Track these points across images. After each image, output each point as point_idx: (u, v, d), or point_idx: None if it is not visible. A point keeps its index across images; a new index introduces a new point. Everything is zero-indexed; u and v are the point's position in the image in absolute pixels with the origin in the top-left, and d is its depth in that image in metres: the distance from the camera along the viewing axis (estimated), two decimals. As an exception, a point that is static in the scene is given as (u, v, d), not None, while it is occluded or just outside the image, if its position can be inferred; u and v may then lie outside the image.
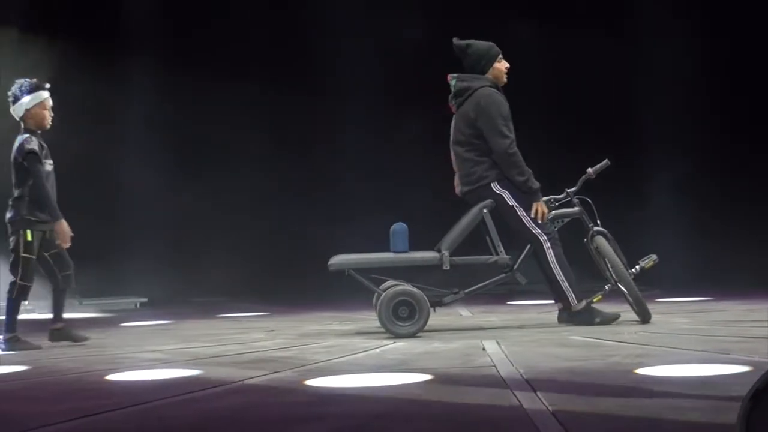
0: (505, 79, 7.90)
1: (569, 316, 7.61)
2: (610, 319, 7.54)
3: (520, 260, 7.66)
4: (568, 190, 7.83)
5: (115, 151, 15.18)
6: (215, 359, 6.36)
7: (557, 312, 7.79)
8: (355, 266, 7.66)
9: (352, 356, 6.20)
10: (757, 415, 2.32)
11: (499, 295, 10.99)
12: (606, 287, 7.68)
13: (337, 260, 7.69)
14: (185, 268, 14.52)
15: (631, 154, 13.05)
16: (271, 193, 14.68)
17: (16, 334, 7.78)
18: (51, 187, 7.86)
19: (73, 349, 7.65)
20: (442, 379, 4.83)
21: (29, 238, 7.66)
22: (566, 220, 7.83)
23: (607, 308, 7.84)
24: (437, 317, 7.88)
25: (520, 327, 7.90)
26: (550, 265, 7.53)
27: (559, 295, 7.64)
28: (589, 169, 7.82)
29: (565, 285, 7.52)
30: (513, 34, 13.66)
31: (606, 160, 7.82)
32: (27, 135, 7.70)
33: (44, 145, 7.81)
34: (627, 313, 7.75)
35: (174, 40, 15.15)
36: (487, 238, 7.72)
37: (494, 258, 7.66)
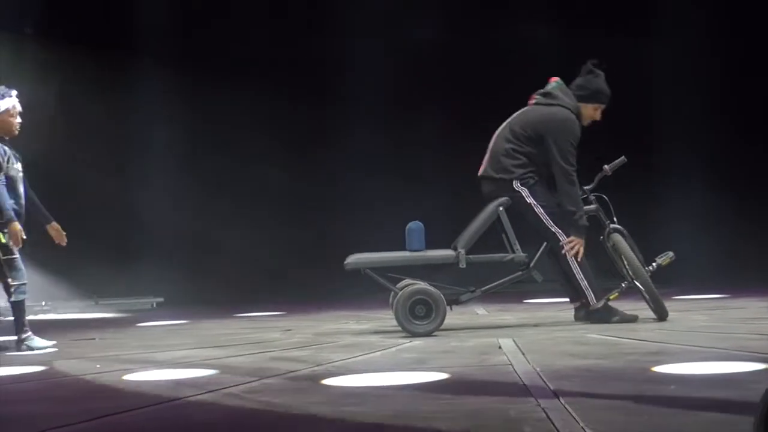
0: (585, 123, 7.85)
1: (587, 314, 7.61)
2: (629, 320, 7.53)
3: (536, 258, 7.66)
4: (585, 188, 7.82)
5: (129, 152, 15.22)
6: (232, 359, 6.37)
7: (574, 310, 7.79)
8: (372, 265, 7.66)
9: (368, 355, 6.21)
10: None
11: (515, 294, 10.97)
12: (623, 285, 7.67)
13: (354, 259, 7.69)
14: (201, 268, 14.55)
15: (648, 151, 13.03)
16: (287, 192, 14.69)
17: (30, 333, 7.79)
18: (21, 191, 7.86)
19: (90, 349, 7.67)
20: (459, 378, 4.83)
21: (2, 239, 7.66)
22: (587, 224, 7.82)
23: (624, 306, 7.84)
24: (453, 316, 7.87)
25: (537, 325, 7.89)
26: (569, 264, 7.53)
27: (577, 294, 7.63)
28: (606, 167, 7.81)
29: (584, 284, 7.51)
30: (527, 33, 13.70)
31: (622, 158, 7.80)
32: None
33: (7, 150, 7.80)
34: (644, 311, 7.74)
35: (183, 40, 15.19)
36: (503, 236, 7.72)
37: (510, 256, 7.66)
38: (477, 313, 9.66)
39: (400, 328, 7.36)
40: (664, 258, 7.63)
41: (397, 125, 14.73)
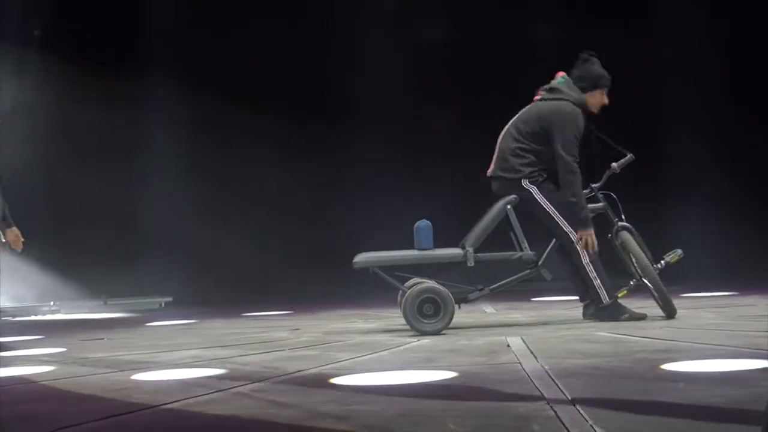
0: (596, 111, 7.87)
1: (596, 312, 7.61)
2: (638, 318, 7.53)
3: (544, 256, 7.67)
4: (593, 185, 7.83)
5: (137, 156, 15.29)
6: (240, 358, 6.38)
7: (582, 308, 7.79)
8: (380, 264, 7.67)
9: (377, 354, 6.21)
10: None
11: (523, 292, 10.97)
12: (631, 282, 7.68)
13: (362, 258, 7.70)
14: (209, 268, 14.57)
15: (656, 149, 13.02)
16: (295, 193, 14.71)
17: None
18: None
19: (99, 349, 7.68)
20: (468, 376, 4.83)
21: None
22: (591, 215, 7.82)
23: (633, 303, 7.85)
24: (462, 314, 7.88)
25: (545, 323, 7.90)
26: (581, 261, 7.52)
27: (587, 291, 7.63)
28: (614, 164, 7.82)
29: (597, 283, 7.51)
30: (533, 33, 13.71)
31: (630, 155, 7.81)
32: None
33: None
34: (653, 308, 7.74)
35: (187, 49, 15.26)
36: (511, 234, 7.73)
37: (519, 254, 7.66)
38: (485, 312, 9.66)
39: (408, 327, 7.37)
40: (673, 255, 7.64)
41: (403, 126, 14.76)
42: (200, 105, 14.80)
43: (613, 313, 7.53)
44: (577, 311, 7.84)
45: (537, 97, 7.91)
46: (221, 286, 14.37)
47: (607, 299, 7.52)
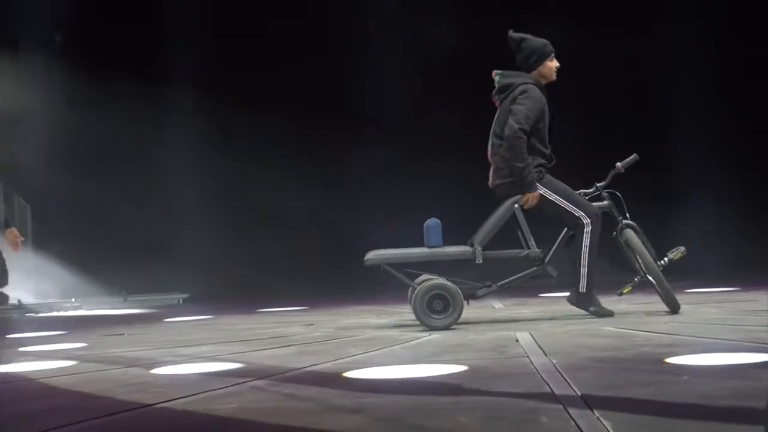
0: (554, 77, 7.86)
1: (573, 296, 7.62)
2: (604, 314, 7.52)
3: (551, 253, 7.67)
4: (598, 185, 7.81)
5: (155, 158, 15.33)
6: (256, 353, 6.38)
7: (569, 293, 7.79)
8: (391, 261, 7.67)
9: (388, 348, 6.21)
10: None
11: (530, 288, 10.96)
12: (635, 279, 7.67)
13: (373, 255, 7.70)
14: (225, 265, 14.60)
15: (658, 148, 13.00)
16: (309, 194, 14.72)
17: None
18: None
19: (118, 344, 7.69)
20: (477, 370, 4.83)
21: None
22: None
23: (637, 299, 7.85)
24: (471, 310, 7.88)
25: (552, 318, 7.88)
26: (581, 248, 7.51)
27: (575, 277, 7.60)
28: (618, 164, 7.80)
29: (584, 270, 7.50)
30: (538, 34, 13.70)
31: (634, 155, 7.80)
32: None
33: None
34: (657, 303, 7.73)
35: (208, 61, 15.33)
36: (519, 232, 7.72)
37: (526, 251, 7.65)
38: (494, 307, 9.66)
39: (418, 322, 7.37)
40: (676, 253, 7.63)
41: (410, 127, 14.77)
42: (214, 111, 14.86)
43: (584, 302, 7.57)
44: (583, 307, 7.81)
45: (497, 104, 7.89)
46: (237, 283, 14.39)
47: (584, 288, 7.51)
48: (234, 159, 14.94)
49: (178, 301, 14.80)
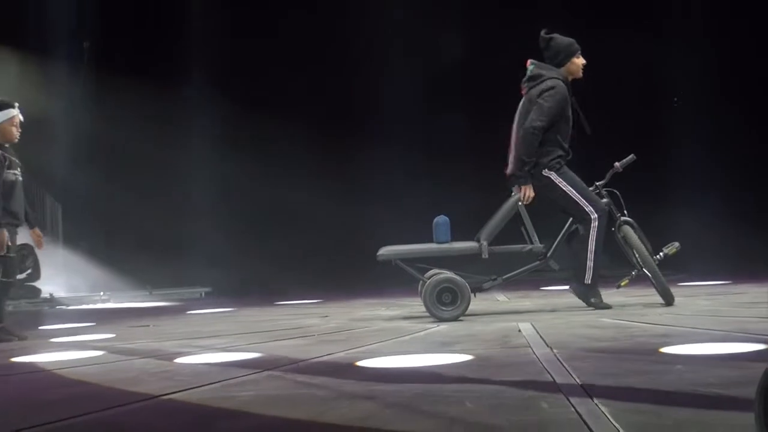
0: (580, 74, 7.84)
1: (576, 287, 7.60)
2: (603, 307, 7.52)
3: (553, 248, 7.66)
4: (597, 183, 7.80)
5: (180, 159, 15.36)
6: (274, 343, 6.39)
7: (569, 286, 7.77)
8: (402, 256, 7.70)
9: (399, 339, 6.21)
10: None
11: (533, 281, 10.95)
12: (633, 272, 7.66)
13: (385, 251, 7.72)
14: (244, 261, 14.61)
15: (656, 150, 12.99)
16: (324, 194, 14.73)
17: (3, 325, 7.74)
18: (17, 195, 7.86)
19: (144, 335, 7.70)
20: (483, 359, 4.82)
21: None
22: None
23: (634, 291, 7.85)
24: (477, 302, 7.87)
25: (553, 310, 7.88)
26: (587, 241, 7.49)
27: (580, 268, 7.58)
28: (617, 164, 7.79)
29: (590, 263, 7.49)
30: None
31: (632, 155, 7.79)
32: None
33: (8, 157, 7.80)
34: (652, 296, 7.72)
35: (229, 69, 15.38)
36: (522, 228, 7.72)
37: (529, 247, 7.66)
38: (498, 300, 9.65)
39: (428, 314, 7.37)
40: (671, 248, 7.61)
41: (422, 134, 14.77)
42: (234, 115, 14.90)
43: (586, 293, 7.57)
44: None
45: (523, 92, 7.87)
46: (255, 278, 14.41)
47: (589, 280, 7.51)
48: (252, 161, 14.95)
49: (201, 294, 14.82)
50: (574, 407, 3.28)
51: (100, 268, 14.98)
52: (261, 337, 6.82)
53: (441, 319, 7.24)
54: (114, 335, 7.81)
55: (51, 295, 13.97)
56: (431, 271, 7.68)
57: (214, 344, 6.49)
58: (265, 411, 3.61)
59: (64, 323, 9.80)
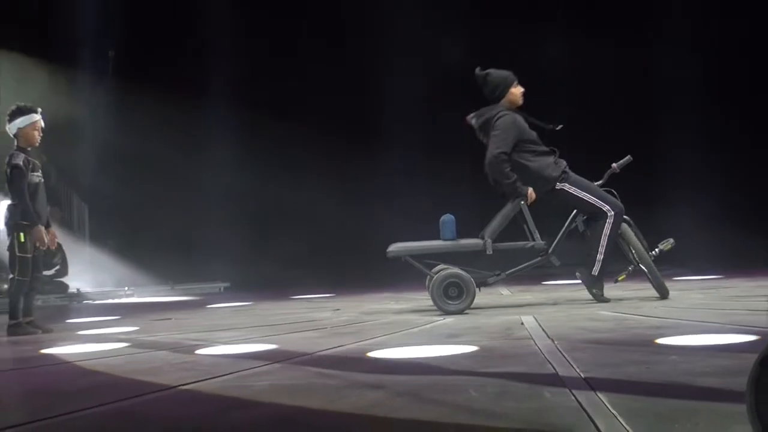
0: (521, 102, 7.86)
1: (583, 275, 7.58)
2: (602, 300, 7.51)
3: (553, 245, 7.66)
4: (596, 183, 7.78)
5: (200, 163, 15.41)
6: (289, 335, 6.38)
7: (578, 271, 7.74)
8: (410, 253, 7.70)
9: (408, 331, 6.20)
10: (766, 379, 2.29)
11: (535, 276, 10.93)
12: (630, 268, 7.66)
13: (394, 248, 7.72)
14: (262, 257, 14.63)
15: (651, 151, 12.97)
16: (334, 195, 14.74)
17: (20, 320, 7.75)
18: (41, 196, 7.89)
19: (166, 328, 7.70)
20: (487, 350, 4.81)
21: (22, 239, 7.68)
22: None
23: (631, 285, 7.84)
24: (482, 296, 7.87)
25: (554, 304, 7.86)
26: (601, 235, 7.47)
27: (590, 260, 7.56)
28: (614, 165, 7.78)
29: (600, 257, 7.48)
30: (542, 44, 13.65)
31: (629, 156, 7.77)
32: (15, 151, 7.77)
33: (32, 160, 7.82)
34: (648, 290, 7.70)
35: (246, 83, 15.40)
36: (525, 226, 7.71)
37: (531, 243, 7.65)
38: (502, 294, 9.64)
39: (435, 307, 7.36)
40: (666, 244, 7.61)
41: (427, 137, 14.77)
42: (248, 121, 14.96)
43: (592, 283, 7.56)
44: (583, 293, 7.79)
45: (485, 141, 7.87)
46: (271, 274, 14.43)
47: (597, 272, 7.49)
48: (266, 165, 15.00)
49: (220, 289, 14.84)
50: (574, 396, 3.26)
51: (124, 264, 15.01)
52: (276, 330, 6.81)
53: (447, 312, 7.24)
54: (138, 328, 7.81)
55: (78, 290, 14.00)
56: (438, 267, 7.69)
57: (232, 336, 6.48)
58: (280, 400, 3.60)
59: (90, 317, 9.81)
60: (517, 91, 7.86)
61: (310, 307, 9.28)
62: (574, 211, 7.73)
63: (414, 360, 4.68)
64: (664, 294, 7.52)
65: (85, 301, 13.69)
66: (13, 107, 7.87)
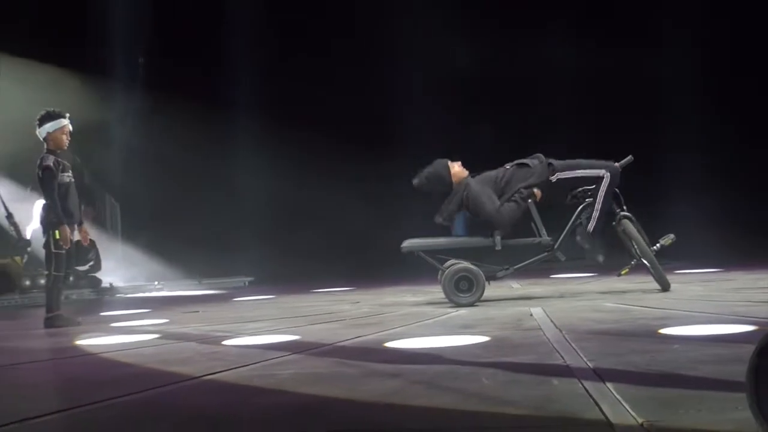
0: (461, 171, 7.83)
1: (582, 235, 7.57)
2: (595, 256, 7.59)
3: (560, 241, 7.63)
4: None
5: (226, 165, 15.45)
6: (311, 327, 6.37)
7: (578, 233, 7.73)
8: (423, 248, 7.69)
9: (422, 322, 6.19)
10: (765, 368, 2.28)
11: (542, 270, 10.90)
12: (632, 262, 7.63)
13: (408, 243, 7.71)
14: (284, 253, 14.64)
15: (653, 151, 12.92)
16: (357, 194, 14.74)
17: (58, 313, 7.78)
18: (72, 195, 7.93)
19: (194, 320, 7.71)
20: (498, 340, 4.80)
21: (57, 236, 7.71)
22: None
23: (633, 279, 7.82)
24: (492, 289, 7.85)
25: (561, 296, 7.84)
26: (597, 194, 7.47)
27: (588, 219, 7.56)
28: (616, 164, 7.74)
29: (596, 213, 7.47)
30: (556, 53, 13.62)
31: (630, 156, 7.73)
32: (45, 154, 7.80)
33: (61, 161, 7.85)
34: (650, 283, 7.67)
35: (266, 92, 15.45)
36: (532, 223, 7.69)
37: (538, 239, 7.63)
38: (511, 287, 9.61)
39: (447, 300, 7.35)
40: (667, 239, 7.58)
41: (442, 139, 14.76)
42: (272, 126, 15.00)
43: (585, 240, 7.54)
44: (588, 286, 7.78)
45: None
46: (294, 268, 14.44)
47: (591, 228, 7.47)
48: (290, 167, 15.01)
49: (245, 283, 14.86)
50: (582, 383, 3.25)
51: (154, 260, 15.05)
52: (299, 322, 6.81)
53: (459, 305, 7.23)
54: (167, 320, 7.83)
55: (111, 284, 14.05)
56: (450, 261, 7.67)
57: (258, 328, 6.49)
58: (302, 388, 3.60)
59: (122, 310, 9.84)
60: (456, 167, 7.83)
61: (331, 300, 9.28)
62: (579, 207, 7.69)
63: (429, 349, 4.68)
64: (665, 286, 7.49)
65: (117, 295, 13.73)
66: (43, 112, 7.91)
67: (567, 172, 7.58)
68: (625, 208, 7.72)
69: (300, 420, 3.03)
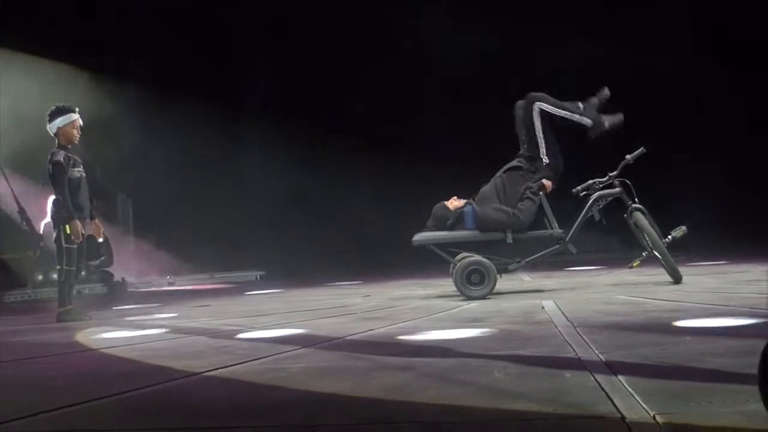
0: (455, 203, 7.92)
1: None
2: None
3: (571, 233, 7.62)
4: (610, 174, 7.76)
5: (238, 159, 15.47)
6: (321, 320, 6.38)
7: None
8: (435, 242, 7.69)
9: (434, 315, 6.19)
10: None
11: (554, 263, 10.89)
12: (644, 254, 7.62)
13: (420, 237, 7.71)
14: (295, 248, 14.67)
15: (665, 143, 12.90)
16: (363, 193, 14.75)
17: (69, 307, 7.80)
18: (83, 190, 7.96)
19: (205, 314, 7.72)
20: (509, 333, 4.79)
21: (68, 231, 7.73)
22: (609, 199, 7.75)
23: (645, 271, 7.80)
24: (503, 282, 7.84)
25: (573, 289, 7.83)
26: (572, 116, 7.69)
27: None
28: (628, 156, 7.73)
29: (561, 112, 7.70)
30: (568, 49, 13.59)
31: (642, 148, 7.71)
32: (56, 149, 7.81)
33: (72, 156, 7.87)
34: (662, 275, 7.65)
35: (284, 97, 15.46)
36: (544, 217, 7.68)
37: (549, 232, 7.63)
38: (523, 280, 9.61)
39: (458, 293, 7.34)
40: (678, 231, 7.56)
41: (449, 144, 14.78)
42: (284, 125, 15.04)
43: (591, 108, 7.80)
44: (600, 278, 7.77)
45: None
46: (304, 263, 14.46)
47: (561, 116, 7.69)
48: (301, 164, 15.04)
49: (256, 277, 14.89)
50: (593, 376, 3.24)
51: (166, 255, 15.09)
52: (309, 315, 6.82)
53: (470, 298, 7.23)
54: (178, 314, 7.84)
55: (123, 279, 14.07)
56: (461, 255, 7.67)
57: (269, 322, 6.49)
58: (313, 381, 3.60)
59: (134, 303, 9.86)
60: (454, 203, 7.93)
61: (341, 294, 9.29)
62: (590, 200, 7.68)
63: (440, 342, 4.67)
64: (677, 279, 7.47)
65: (129, 289, 13.77)
66: (53, 107, 7.93)
67: (551, 107, 7.61)
68: (636, 200, 7.71)
69: (311, 413, 3.03)
